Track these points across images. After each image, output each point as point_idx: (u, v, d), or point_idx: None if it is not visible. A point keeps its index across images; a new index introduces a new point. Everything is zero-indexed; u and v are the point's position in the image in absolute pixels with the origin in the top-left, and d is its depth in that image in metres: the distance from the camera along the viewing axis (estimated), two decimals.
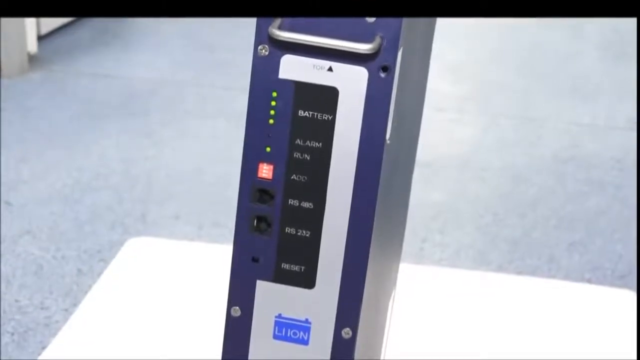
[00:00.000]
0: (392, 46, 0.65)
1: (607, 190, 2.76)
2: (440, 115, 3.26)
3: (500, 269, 2.31)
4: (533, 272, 2.30)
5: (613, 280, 2.27)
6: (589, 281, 2.25)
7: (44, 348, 1.89)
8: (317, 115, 0.67)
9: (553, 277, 2.26)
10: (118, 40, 3.93)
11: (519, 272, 2.28)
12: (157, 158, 2.81)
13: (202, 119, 3.14)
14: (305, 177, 0.68)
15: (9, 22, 3.36)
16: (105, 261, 2.19)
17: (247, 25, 4.05)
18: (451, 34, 4.03)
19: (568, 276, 2.27)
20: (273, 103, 0.67)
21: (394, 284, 0.93)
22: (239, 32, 4.04)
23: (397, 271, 0.93)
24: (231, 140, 2.94)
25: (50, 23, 3.82)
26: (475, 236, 2.47)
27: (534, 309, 1.11)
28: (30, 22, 3.52)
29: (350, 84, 0.66)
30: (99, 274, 1.73)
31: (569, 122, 3.29)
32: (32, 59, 3.54)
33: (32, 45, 3.55)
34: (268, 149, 0.68)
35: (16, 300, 2.07)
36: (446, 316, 1.08)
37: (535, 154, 3.01)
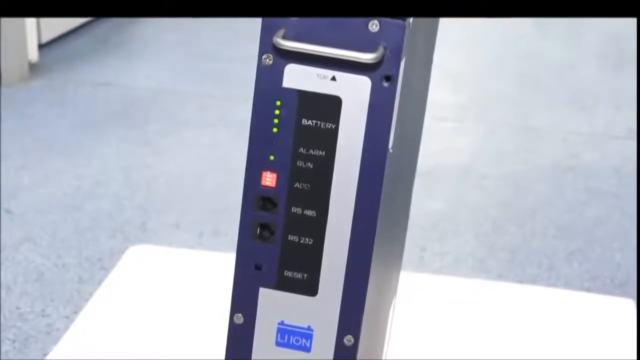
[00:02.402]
0: (395, 56, 0.65)
1: (606, 199, 2.77)
2: (440, 124, 3.27)
3: (499, 277, 2.31)
4: (532, 280, 2.30)
5: (612, 288, 2.28)
6: (589, 290, 2.26)
7: (45, 355, 1.89)
8: (320, 124, 0.68)
9: (553, 285, 2.27)
10: (118, 49, 3.94)
11: (519, 281, 2.28)
12: (157, 166, 2.81)
13: (202, 127, 3.15)
14: (309, 186, 0.69)
15: (9, 30, 3.37)
16: (106, 269, 2.19)
17: (247, 35, 4.05)
18: (450, 43, 4.03)
19: (567, 285, 2.28)
20: (277, 112, 0.68)
21: (395, 291, 0.93)
22: (239, 42, 4.05)
23: (397, 279, 0.93)
24: (231, 149, 2.94)
25: (51, 31, 3.82)
26: (475, 245, 2.47)
27: (534, 317, 1.11)
28: (31, 30, 3.52)
29: (354, 93, 0.66)
30: (100, 282, 1.73)
31: (568, 131, 3.29)
32: (33, 67, 3.54)
33: (32, 54, 3.55)
34: (271, 158, 0.69)
35: (17, 308, 2.08)
36: (446, 324, 1.09)
37: (534, 162, 3.01)
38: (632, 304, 1.14)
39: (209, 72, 3.72)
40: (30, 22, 3.52)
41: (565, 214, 2.67)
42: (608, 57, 4.15)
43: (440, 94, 3.51)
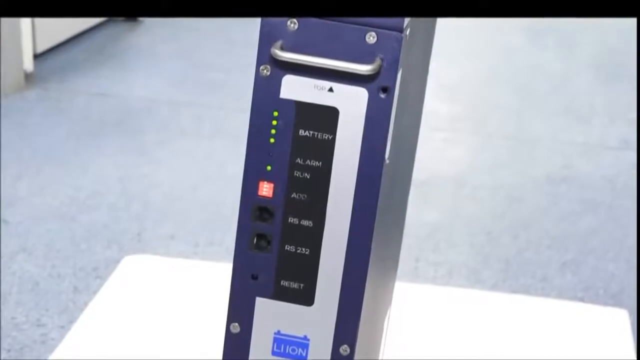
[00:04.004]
0: (391, 67, 0.66)
1: (600, 210, 2.78)
2: (435, 135, 3.27)
3: (493, 287, 2.31)
4: (526, 291, 2.30)
5: (605, 299, 2.28)
6: (582, 300, 2.26)
7: None
8: (317, 134, 0.68)
9: (546, 296, 2.27)
10: (114, 59, 3.95)
11: (512, 291, 2.28)
12: (152, 176, 2.82)
13: (198, 137, 3.15)
14: (305, 196, 0.69)
15: (5, 40, 3.37)
16: (102, 279, 2.19)
17: (242, 45, 4.06)
18: (446, 54, 4.04)
19: (561, 295, 2.28)
20: (274, 122, 0.68)
21: (390, 301, 0.93)
22: (234, 52, 4.05)
23: (392, 289, 0.94)
24: (227, 159, 2.94)
25: (46, 41, 3.83)
26: (469, 255, 2.48)
27: (528, 327, 1.12)
28: (26, 41, 3.52)
29: (351, 104, 0.67)
30: (95, 292, 1.73)
31: (562, 142, 3.30)
32: (28, 77, 3.54)
33: (28, 64, 3.55)
34: (269, 168, 0.69)
35: (12, 318, 2.08)
36: (441, 334, 1.09)
37: (528, 173, 3.02)
38: (626, 314, 1.15)
39: (204, 82, 3.72)
40: (25, 32, 3.52)
41: (559, 224, 2.68)
42: (602, 68, 4.16)
43: (436, 105, 3.52)
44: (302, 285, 0.71)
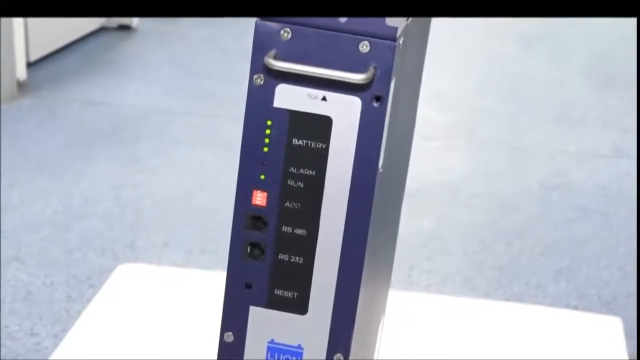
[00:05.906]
0: (385, 76, 0.66)
1: (593, 217, 2.78)
2: (429, 144, 3.28)
3: (487, 295, 2.31)
4: (520, 299, 2.30)
5: (599, 307, 2.28)
6: (576, 308, 2.26)
7: None
8: (311, 143, 0.68)
9: (540, 303, 2.27)
10: (107, 67, 3.94)
11: (506, 299, 2.29)
12: (146, 185, 2.82)
13: (191, 146, 3.15)
14: (299, 205, 0.69)
15: None
16: (95, 287, 2.19)
17: (235, 54, 4.06)
18: (439, 63, 4.05)
19: (555, 303, 2.28)
20: (268, 131, 0.68)
21: (384, 310, 0.93)
22: (227, 61, 4.05)
23: (386, 297, 0.94)
24: (220, 168, 2.94)
25: (40, 50, 3.83)
26: (463, 263, 2.48)
27: (521, 335, 1.12)
28: (19, 49, 3.52)
29: (344, 113, 0.67)
30: (89, 300, 1.73)
31: (555, 150, 3.31)
32: (22, 86, 3.54)
33: (21, 72, 3.55)
34: (262, 177, 0.69)
35: (6, 327, 2.07)
36: (434, 342, 1.09)
37: (522, 181, 3.02)
38: (620, 322, 1.15)
39: (197, 90, 3.72)
40: (18, 41, 3.52)
41: (553, 232, 2.68)
42: (595, 76, 4.17)
43: (429, 114, 3.52)
44: (295, 294, 0.71)
